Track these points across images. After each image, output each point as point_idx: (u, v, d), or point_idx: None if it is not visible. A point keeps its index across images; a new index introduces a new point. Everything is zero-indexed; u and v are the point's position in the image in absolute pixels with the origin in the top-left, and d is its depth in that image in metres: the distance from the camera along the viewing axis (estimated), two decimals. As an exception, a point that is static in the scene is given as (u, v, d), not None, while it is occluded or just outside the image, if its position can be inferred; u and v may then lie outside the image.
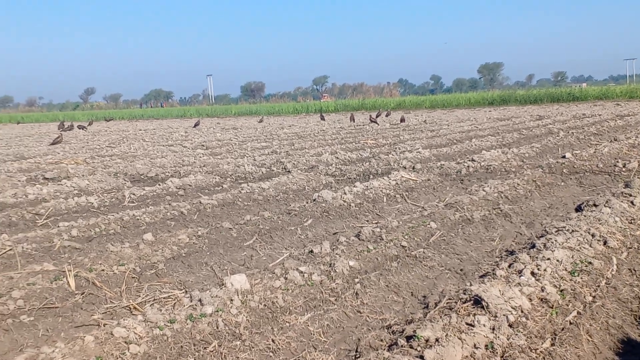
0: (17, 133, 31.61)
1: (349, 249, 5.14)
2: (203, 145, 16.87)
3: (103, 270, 4.79)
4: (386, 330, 3.80)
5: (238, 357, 3.45)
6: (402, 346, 3.33)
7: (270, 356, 3.51)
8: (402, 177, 8.91)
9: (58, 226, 6.42)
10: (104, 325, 3.71)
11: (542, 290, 3.84)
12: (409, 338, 3.39)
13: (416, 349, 3.23)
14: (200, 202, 7.50)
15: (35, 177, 10.52)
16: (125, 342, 3.36)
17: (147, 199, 8.32)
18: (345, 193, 7.71)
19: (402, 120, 26.01)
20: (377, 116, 28.72)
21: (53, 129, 33.85)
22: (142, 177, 10.44)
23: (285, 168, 10.85)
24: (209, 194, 8.50)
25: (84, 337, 3.37)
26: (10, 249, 5.47)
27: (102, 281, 4.63)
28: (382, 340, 3.63)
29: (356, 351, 3.45)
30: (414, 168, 10.01)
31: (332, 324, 3.95)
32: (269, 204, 7.82)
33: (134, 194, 8.38)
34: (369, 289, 4.50)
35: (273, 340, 3.64)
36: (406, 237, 5.54)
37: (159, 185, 8.97)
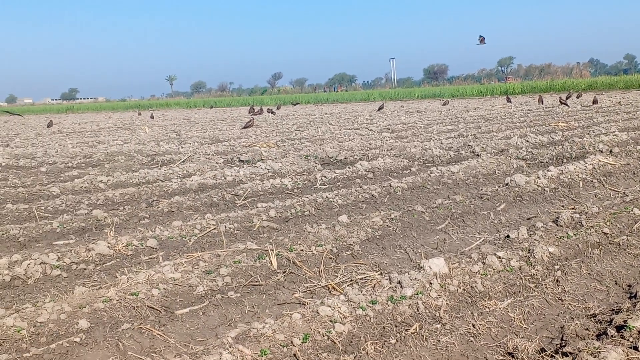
0: (211, 117, 33.43)
1: (546, 234, 4.92)
2: (388, 129, 16.97)
3: (302, 250, 4.98)
4: (591, 319, 3.60)
5: (439, 340, 3.44)
6: (612, 336, 3.13)
7: (471, 341, 3.45)
8: (599, 161, 8.35)
9: (256, 207, 6.78)
10: (309, 303, 3.86)
11: None
12: (619, 328, 3.18)
13: (628, 340, 3.02)
14: (390, 185, 7.56)
15: (231, 160, 11.21)
16: (331, 321, 3.46)
17: (338, 181, 8.54)
18: (538, 177, 7.39)
19: (595, 101, 24.36)
20: (567, 98, 27.19)
21: (244, 113, 35.72)
22: (331, 160, 10.71)
23: (473, 151, 10.62)
24: (398, 177, 8.53)
25: (291, 314, 3.51)
26: (215, 228, 5.86)
27: (302, 261, 4.82)
28: (587, 329, 3.44)
29: (561, 339, 3.28)
30: (611, 152, 9.35)
31: (533, 311, 3.81)
32: (459, 188, 7.70)
33: (325, 177, 8.64)
34: (570, 277, 4.28)
35: (473, 325, 3.58)
36: (607, 223, 5.20)
37: (349, 168, 9.16)
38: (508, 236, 4.96)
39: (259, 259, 4.74)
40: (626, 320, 3.17)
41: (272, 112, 31.05)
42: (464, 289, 3.92)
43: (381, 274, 4.47)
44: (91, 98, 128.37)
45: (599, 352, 2.90)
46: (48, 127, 26.68)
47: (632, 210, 5.56)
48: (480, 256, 4.38)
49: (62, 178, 9.68)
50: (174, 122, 28.95)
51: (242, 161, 10.93)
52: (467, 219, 6.07)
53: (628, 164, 8.36)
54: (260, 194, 7.90)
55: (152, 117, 34.39)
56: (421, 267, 4.09)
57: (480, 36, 32.14)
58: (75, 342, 3.54)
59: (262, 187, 8.06)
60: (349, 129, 17.73)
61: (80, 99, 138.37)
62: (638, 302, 3.62)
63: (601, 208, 5.72)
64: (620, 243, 4.87)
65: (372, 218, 5.83)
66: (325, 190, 7.87)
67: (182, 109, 57.57)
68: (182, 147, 13.85)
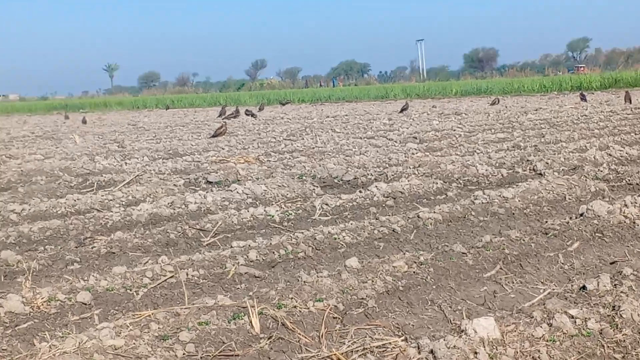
0: (166, 121, 33.39)
1: (638, 285, 4.92)
2: (415, 138, 17.02)
3: (295, 306, 4.97)
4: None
5: None
6: None
7: None
8: None
9: (231, 246, 6.79)
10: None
11: None
12: None
13: None
14: (417, 216, 7.57)
15: (195, 181, 11.22)
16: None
17: (345, 210, 8.55)
18: (626, 205, 7.40)
19: None
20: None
21: (212, 116, 35.57)
22: (335, 181, 10.73)
23: (534, 169, 10.65)
24: (429, 205, 8.55)
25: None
26: (173, 276, 5.84)
27: (295, 322, 4.81)
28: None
29: None
30: None
31: (620, 394, 3.80)
32: (514, 220, 7.71)
33: (326, 204, 8.65)
34: (672, 345, 4.28)
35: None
36: None
37: (360, 192, 9.17)
38: (584, 287, 4.96)
39: (234, 319, 4.73)
40: None
41: (253, 115, 31.16)
42: (523, 361, 3.92)
43: (406, 339, 4.46)
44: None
45: None
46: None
47: None
48: (545, 315, 4.38)
49: (-43, 206, 9.69)
50: (116, 128, 29.06)
51: (210, 183, 10.95)
52: (526, 263, 6.07)
53: None
54: (236, 228, 7.90)
55: (84, 122, 34.54)
56: (462, 331, 4.09)
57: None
58: None
59: (239, 219, 8.07)
60: (361, 138, 17.78)
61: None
62: None
63: None
64: None
65: (393, 262, 5.84)
66: (327, 224, 7.88)
67: (127, 111, 57.90)
68: (126, 164, 13.90)
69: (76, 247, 7.03)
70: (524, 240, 6.51)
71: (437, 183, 9.79)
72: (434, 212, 7.72)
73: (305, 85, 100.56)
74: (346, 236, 6.97)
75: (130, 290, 5.54)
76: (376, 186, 9.38)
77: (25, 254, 6.79)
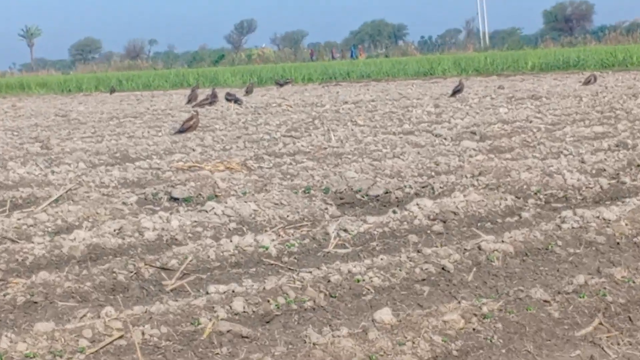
0: (111, 110, 33.49)
1: None
2: (474, 133, 16.99)
3: (301, 380, 4.98)
4: None
5: None
6: None
7: None
8: None
9: (206, 292, 6.80)
10: None
11: None
12: None
13: None
14: (478, 248, 7.57)
15: (154, 197, 11.21)
16: None
17: (372, 239, 8.54)
18: None
19: None
20: None
21: (179, 103, 35.59)
22: (358, 196, 10.71)
23: (649, 178, 10.64)
24: (495, 231, 8.55)
25: None
26: (122, 337, 5.85)
27: (300, 402, 4.82)
28: None
29: None
30: None
31: None
32: (620, 253, 7.70)
33: (345, 231, 8.65)
34: None
35: None
36: None
37: (394, 212, 9.18)
38: None
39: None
40: None
41: (237, 101, 31.14)
42: None
43: None
44: None
45: None
46: None
47: None
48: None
49: None
50: (37, 121, 29.09)
51: (175, 200, 10.98)
52: (638, 315, 6.04)
53: None
54: (214, 265, 7.90)
55: None
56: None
57: None
58: None
59: (218, 253, 8.08)
60: (394, 134, 17.78)
61: None
62: None
63: None
64: None
65: (443, 315, 5.84)
66: (346, 259, 7.90)
67: (54, 95, 57.72)
68: (53, 173, 13.91)
69: (-19, 295, 7.04)
70: (634, 282, 6.50)
71: (506, 199, 9.79)
72: (502, 241, 7.72)
73: (311, 57, 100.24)
74: (374, 277, 6.96)
75: (61, 357, 5.54)
76: (417, 204, 9.38)
77: None
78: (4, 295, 6.97)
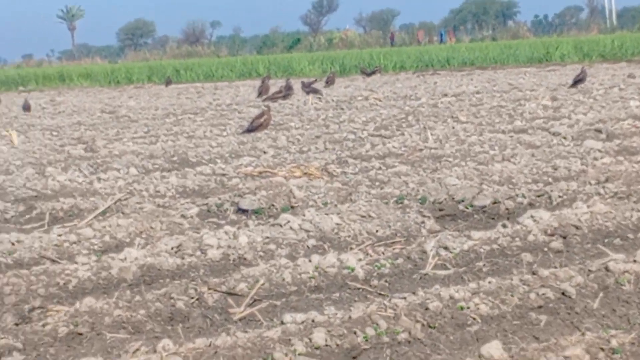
0: (167, 105, 33.70)
1: None
2: (599, 131, 16.89)
3: None
4: None
5: None
6: None
7: None
8: None
9: (281, 322, 6.83)
10: None
11: None
12: None
13: None
14: (606, 269, 7.52)
15: (218, 209, 11.29)
16: None
17: (477, 258, 8.54)
18: None
19: None
20: None
21: (247, 96, 35.81)
22: (460, 207, 10.70)
23: None
24: (626, 249, 8.51)
25: None
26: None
27: None
28: None
29: None
30: None
31: None
32: None
33: (446, 248, 8.66)
34: None
35: None
36: None
37: (503, 226, 9.17)
38: None
39: None
40: None
41: (316, 93, 31.19)
42: None
43: None
44: None
45: None
46: None
47: None
48: None
49: None
50: (80, 118, 29.31)
51: (243, 211, 11.02)
52: None
53: None
54: (290, 290, 7.93)
55: (26, 109, 34.87)
56: None
57: None
58: None
59: (294, 275, 8.11)
60: (503, 133, 17.74)
61: None
62: None
63: None
64: None
65: (564, 349, 5.81)
66: (447, 282, 7.89)
67: (99, 88, 58.11)
68: (99, 180, 14.00)
69: (16, 325, 7.11)
70: None
71: (638, 210, 9.71)
72: (635, 261, 7.67)
73: (391, 42, 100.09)
74: (481, 304, 6.95)
75: (111, 398, 5.59)
76: (532, 216, 9.35)
77: None
78: (44, 326, 7.02)
